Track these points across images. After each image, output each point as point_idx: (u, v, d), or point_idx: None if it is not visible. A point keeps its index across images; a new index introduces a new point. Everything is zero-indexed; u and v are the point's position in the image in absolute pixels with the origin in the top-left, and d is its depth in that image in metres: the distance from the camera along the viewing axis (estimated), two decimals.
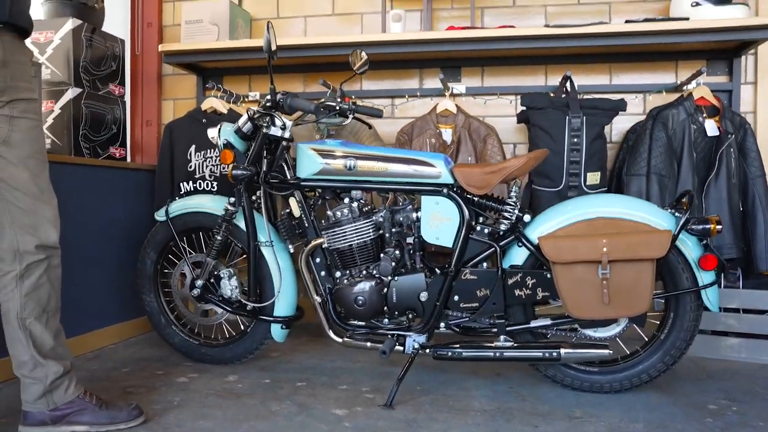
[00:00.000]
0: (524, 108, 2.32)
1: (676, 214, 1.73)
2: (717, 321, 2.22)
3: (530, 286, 1.77)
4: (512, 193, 1.82)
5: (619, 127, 2.60)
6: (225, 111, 2.57)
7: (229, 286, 2.03)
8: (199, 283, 2.05)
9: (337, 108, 1.96)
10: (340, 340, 1.90)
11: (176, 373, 2.01)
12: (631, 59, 2.57)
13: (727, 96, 2.47)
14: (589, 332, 1.81)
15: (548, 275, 1.75)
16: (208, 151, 2.53)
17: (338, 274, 1.91)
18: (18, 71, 1.39)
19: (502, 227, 1.82)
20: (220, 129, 1.95)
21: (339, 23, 2.82)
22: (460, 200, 1.81)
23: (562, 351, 1.74)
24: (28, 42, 1.70)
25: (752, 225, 2.22)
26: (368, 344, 1.86)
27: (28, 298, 1.45)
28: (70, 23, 2.39)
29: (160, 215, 2.14)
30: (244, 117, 1.93)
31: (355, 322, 1.90)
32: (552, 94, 2.37)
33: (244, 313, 2.04)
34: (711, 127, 2.26)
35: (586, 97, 2.49)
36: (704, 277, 1.74)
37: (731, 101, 2.46)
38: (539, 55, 2.58)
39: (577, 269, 1.68)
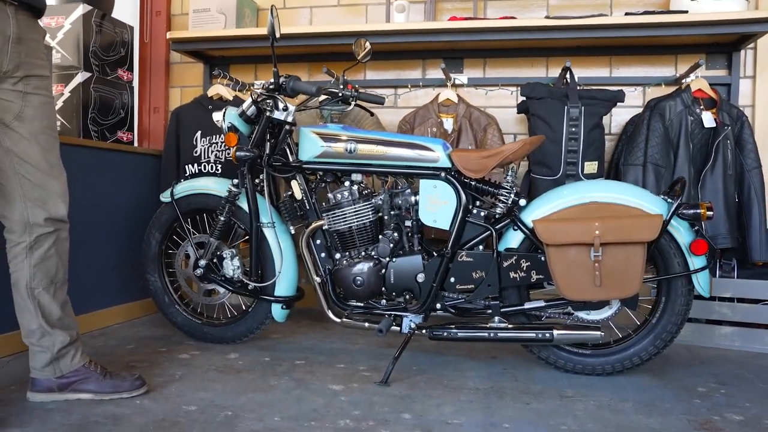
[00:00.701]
0: (524, 98, 2.37)
1: (669, 200, 1.77)
2: (711, 310, 2.25)
3: (525, 268, 1.81)
4: (508, 178, 1.86)
5: (618, 119, 2.64)
6: (231, 98, 2.63)
7: (232, 266, 2.09)
8: (203, 263, 2.11)
9: (340, 94, 2.01)
10: (338, 320, 1.95)
11: (179, 351, 2.07)
12: (631, 52, 2.60)
13: (726, 89, 2.50)
14: (582, 315, 1.85)
15: (542, 258, 1.79)
16: (214, 136, 2.59)
17: (338, 255, 1.96)
18: (32, 48, 1.45)
19: (498, 211, 1.86)
20: (225, 112, 2.00)
21: (344, 13, 2.87)
22: (457, 184, 1.85)
23: (555, 332, 1.79)
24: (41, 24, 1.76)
25: (747, 216, 2.25)
26: (366, 324, 1.91)
27: (37, 269, 1.51)
28: (81, 9, 2.45)
29: (165, 196, 2.20)
30: (249, 100, 1.98)
31: (354, 303, 1.95)
32: (552, 85, 2.41)
33: (245, 292, 2.09)
34: (708, 119, 2.30)
35: (585, 88, 2.53)
36: (695, 262, 1.78)
37: (730, 95, 2.49)
38: (540, 47, 2.62)
39: (570, 251, 1.72)
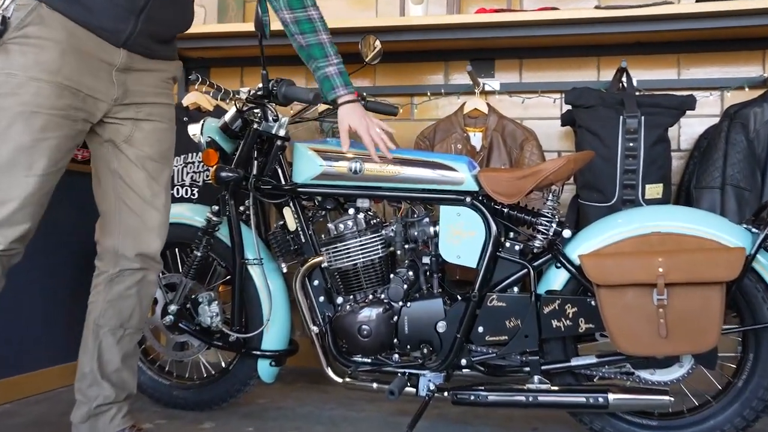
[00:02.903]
0: (570, 107, 2.45)
1: (753, 229, 1.80)
2: None
3: (570, 315, 1.86)
4: (548, 203, 1.93)
5: (688, 131, 2.70)
6: (211, 108, 2.74)
7: (209, 313, 2.16)
8: (173, 308, 2.18)
9: None
10: (340, 380, 2.01)
11: (140, 419, 2.12)
12: (705, 48, 2.66)
13: None
14: (646, 375, 1.88)
15: (592, 302, 1.84)
16: (190, 155, 2.70)
17: (340, 299, 2.03)
18: (146, 76, 1.64)
19: (537, 244, 1.92)
20: (203, 125, 2.10)
21: (349, 6, 3.00)
22: (486, 211, 1.92)
23: (611, 397, 1.81)
24: None
25: None
26: (374, 385, 1.96)
27: (110, 305, 1.68)
28: None
29: None
30: (232, 110, 2.09)
31: (360, 358, 2.01)
32: (604, 91, 2.48)
33: (225, 345, 2.16)
34: None
35: (646, 93, 2.60)
36: None
37: None
38: (590, 44, 2.70)
39: (627, 294, 1.76)
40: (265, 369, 2.13)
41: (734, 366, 1.95)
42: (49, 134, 1.44)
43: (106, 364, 1.68)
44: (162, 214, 1.69)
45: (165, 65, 1.69)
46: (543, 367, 1.89)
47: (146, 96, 1.65)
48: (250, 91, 2.08)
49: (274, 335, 2.13)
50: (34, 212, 1.47)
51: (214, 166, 2.03)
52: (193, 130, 2.11)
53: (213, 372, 2.34)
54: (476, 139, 2.60)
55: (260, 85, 2.04)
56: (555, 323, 1.87)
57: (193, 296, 2.20)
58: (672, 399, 1.81)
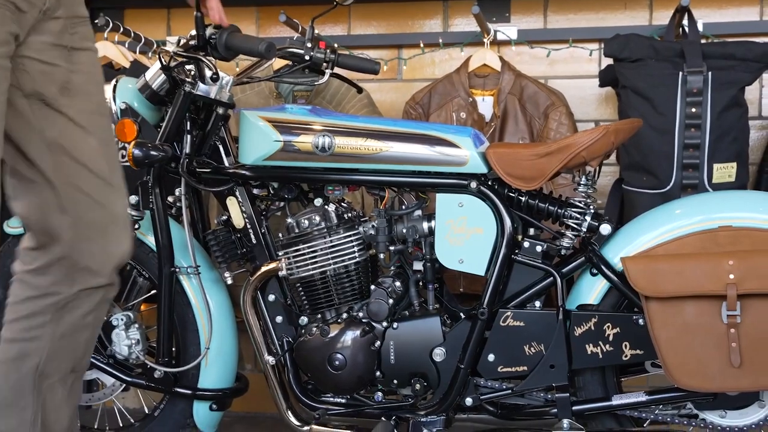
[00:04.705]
0: (611, 61, 2.47)
1: None
2: None
3: (611, 338, 1.87)
4: (581, 189, 1.95)
5: None
6: (127, 64, 2.73)
7: (126, 340, 2.15)
8: None
9: (307, 57, 2.11)
10: (305, 428, 2.01)
11: None
12: None
13: None
14: (713, 417, 1.90)
15: (641, 321, 1.86)
16: None
17: (304, 319, 2.04)
18: None
19: (566, 244, 1.93)
20: (115, 86, 2.09)
21: None
22: (497, 200, 1.93)
23: None
24: None
25: None
26: None
27: (62, 344, 1.55)
28: None
29: (13, 225, 2.26)
30: (156, 67, 2.07)
31: (330, 398, 2.02)
32: (659, 39, 2.51)
33: (149, 383, 2.15)
34: None
35: (715, 41, 2.63)
36: None
37: None
38: None
39: (686, 309, 1.78)
40: (203, 414, 2.13)
41: None
42: None
43: (52, 425, 1.56)
44: (123, 196, 1.60)
45: None
46: (575, 408, 1.90)
47: (76, 6, 1.52)
48: (180, 41, 2.07)
49: (215, 369, 2.13)
50: None
51: (132, 143, 2.02)
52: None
53: (132, 420, 2.33)
54: (486, 105, 2.61)
55: (194, 33, 2.02)
56: (590, 349, 1.88)
57: (105, 317, 2.20)
58: None
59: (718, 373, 1.78)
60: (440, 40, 2.85)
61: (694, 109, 2.33)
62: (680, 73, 2.34)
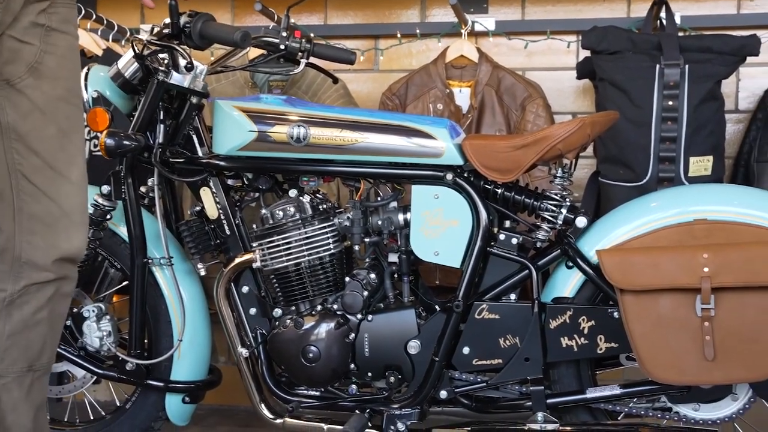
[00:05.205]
0: (588, 53, 2.46)
1: None
2: None
3: (586, 332, 1.88)
4: (557, 182, 1.95)
5: (750, 86, 2.73)
6: (99, 52, 2.70)
7: (97, 332, 2.14)
8: None
9: (282, 46, 2.10)
10: (278, 420, 2.01)
11: None
12: None
13: None
14: (687, 411, 1.91)
15: (615, 314, 1.87)
16: None
17: (278, 311, 2.03)
18: None
19: (542, 236, 1.94)
20: (87, 74, 2.07)
21: None
22: (473, 192, 1.94)
23: None
24: None
25: None
26: (324, 426, 1.97)
27: (13, 342, 1.49)
28: None
29: None
30: (129, 55, 2.06)
31: (304, 390, 2.02)
32: (637, 31, 2.51)
33: (121, 376, 2.14)
34: None
35: (692, 33, 2.63)
36: None
37: None
38: None
39: (660, 302, 1.79)
40: (175, 407, 2.13)
41: None
42: None
43: (11, 427, 1.50)
44: (81, 191, 1.54)
45: None
46: (549, 401, 1.91)
47: None
48: (153, 29, 2.06)
49: (188, 361, 2.13)
50: None
51: (104, 132, 2.01)
52: None
53: (103, 413, 2.32)
54: (463, 96, 2.62)
55: (167, 21, 2.01)
56: (565, 342, 1.89)
57: (75, 309, 2.18)
58: None
59: (691, 366, 1.78)
60: (417, 31, 2.84)
61: (670, 102, 2.33)
62: (657, 66, 2.34)
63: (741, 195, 1.91)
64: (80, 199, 1.54)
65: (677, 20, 2.58)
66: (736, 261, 1.76)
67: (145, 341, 2.16)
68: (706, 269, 1.76)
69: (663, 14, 2.55)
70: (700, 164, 2.36)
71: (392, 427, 1.96)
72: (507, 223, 1.99)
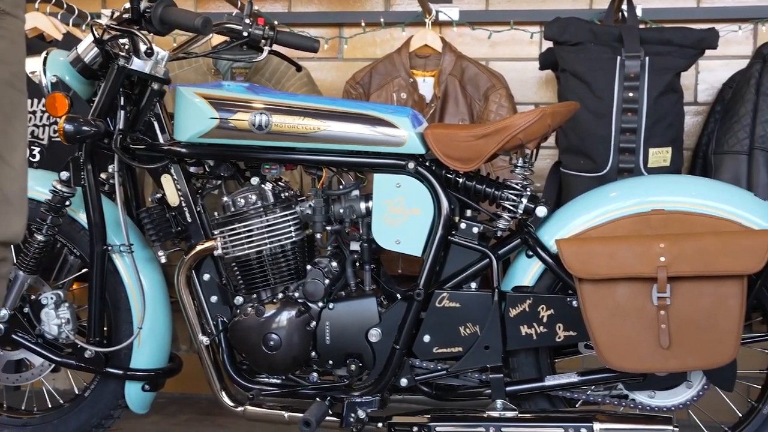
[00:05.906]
0: (551, 44, 2.48)
1: None
2: None
3: (545, 320, 1.91)
4: (518, 171, 1.97)
5: (708, 78, 2.77)
6: (59, 37, 2.69)
7: (56, 320, 2.14)
8: (4, 313, 2.14)
9: (245, 33, 2.09)
10: (239, 408, 2.02)
11: None
12: None
13: None
14: (643, 398, 1.94)
15: (574, 303, 1.89)
16: (31, 101, 2.66)
17: (239, 299, 2.04)
18: None
19: (502, 225, 1.96)
20: (45, 59, 2.06)
21: None
22: (434, 181, 1.95)
23: (597, 427, 1.86)
24: None
25: None
26: (285, 414, 1.99)
27: None
28: None
29: None
30: (88, 39, 2.05)
31: (265, 378, 2.03)
32: (599, 23, 2.54)
33: (80, 364, 2.13)
34: None
35: (652, 26, 2.65)
36: None
37: None
38: None
39: (617, 291, 1.81)
40: (135, 395, 2.13)
41: (759, 387, 2.04)
42: None
43: None
44: (22, 177, 1.52)
45: None
46: (509, 389, 1.94)
47: None
48: (113, 14, 2.05)
49: (148, 349, 2.13)
50: None
51: (63, 117, 2.00)
52: (33, 66, 2.05)
53: (62, 401, 2.31)
54: (426, 85, 2.63)
55: (128, 6, 2.00)
56: (525, 330, 1.91)
57: (33, 297, 2.18)
58: (677, 429, 1.86)
59: (647, 354, 1.82)
60: (382, 20, 2.86)
61: (631, 94, 2.36)
62: (618, 58, 2.37)
63: (698, 186, 1.94)
64: (21, 184, 1.52)
65: (638, 12, 2.62)
66: (692, 251, 1.78)
67: (105, 329, 2.15)
68: (662, 259, 1.78)
69: (624, 6, 2.57)
70: (660, 155, 2.39)
71: (353, 415, 1.97)
72: (468, 213, 2.01)
